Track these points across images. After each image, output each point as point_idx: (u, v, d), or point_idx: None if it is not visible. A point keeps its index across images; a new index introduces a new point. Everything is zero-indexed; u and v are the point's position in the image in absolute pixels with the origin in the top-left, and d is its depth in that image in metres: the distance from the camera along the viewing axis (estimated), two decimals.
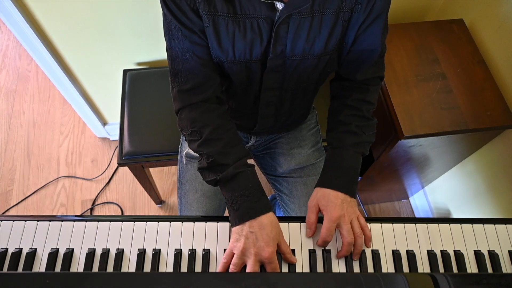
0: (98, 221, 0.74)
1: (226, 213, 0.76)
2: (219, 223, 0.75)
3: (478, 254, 0.74)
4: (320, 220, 0.76)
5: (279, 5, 0.67)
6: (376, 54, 0.80)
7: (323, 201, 0.77)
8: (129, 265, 0.70)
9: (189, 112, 0.76)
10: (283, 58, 0.74)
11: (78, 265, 0.70)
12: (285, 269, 0.71)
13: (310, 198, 0.80)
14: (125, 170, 1.87)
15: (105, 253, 0.70)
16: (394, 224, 0.77)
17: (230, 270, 0.68)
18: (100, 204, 1.80)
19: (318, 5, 0.68)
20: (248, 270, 0.67)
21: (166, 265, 0.70)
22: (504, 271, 0.73)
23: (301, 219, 0.77)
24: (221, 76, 0.81)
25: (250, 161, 0.81)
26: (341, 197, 0.76)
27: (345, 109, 0.84)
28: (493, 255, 0.74)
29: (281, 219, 0.77)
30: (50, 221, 0.74)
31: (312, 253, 0.72)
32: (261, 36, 0.70)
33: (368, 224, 0.76)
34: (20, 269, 0.69)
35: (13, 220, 0.73)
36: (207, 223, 0.75)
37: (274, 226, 0.70)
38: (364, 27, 0.74)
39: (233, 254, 0.69)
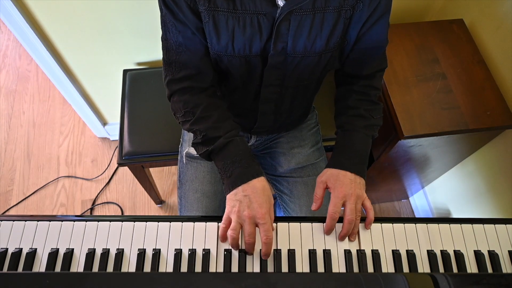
0: (98, 221, 0.74)
1: None
2: (219, 223, 0.75)
3: (478, 254, 0.74)
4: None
5: (280, 2, 0.67)
6: (382, 50, 0.82)
7: (332, 180, 0.78)
8: (129, 265, 0.70)
9: (180, 95, 0.79)
10: (284, 55, 0.75)
11: (78, 265, 0.70)
12: (285, 269, 0.71)
13: (319, 175, 0.82)
14: (125, 170, 1.87)
15: (105, 253, 0.70)
16: (394, 224, 0.77)
17: (229, 234, 0.69)
18: (100, 204, 1.80)
19: (320, 2, 0.68)
20: (245, 232, 0.69)
21: (166, 265, 0.70)
22: (504, 271, 0.73)
23: (301, 219, 0.77)
24: (221, 70, 0.82)
25: None
26: (350, 177, 0.78)
27: (353, 94, 0.87)
28: (493, 255, 0.74)
29: (281, 219, 0.77)
30: (50, 221, 0.74)
31: (312, 253, 0.72)
32: (260, 32, 0.71)
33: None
34: (20, 269, 0.69)
35: (13, 220, 0.73)
36: (207, 223, 0.75)
37: (266, 190, 0.72)
38: (368, 25, 0.75)
39: (230, 219, 0.71)
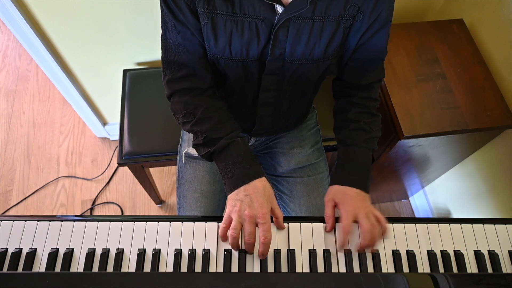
0: (98, 221, 0.74)
1: None
2: (219, 223, 0.75)
3: (478, 254, 0.74)
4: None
5: (279, 8, 0.67)
6: (380, 61, 0.82)
7: (338, 196, 0.79)
8: (129, 265, 0.70)
9: (181, 96, 0.79)
10: (282, 61, 0.75)
11: (78, 265, 0.70)
12: (285, 269, 0.71)
13: (325, 194, 0.82)
14: (125, 170, 1.87)
15: (105, 253, 0.70)
16: (394, 224, 0.77)
17: (229, 234, 0.69)
18: (100, 204, 1.80)
19: (320, 11, 0.68)
20: (245, 232, 0.69)
21: (166, 265, 0.70)
22: (504, 271, 0.73)
23: (301, 219, 0.77)
24: (219, 73, 0.82)
25: None
26: (356, 191, 0.79)
27: (352, 107, 0.87)
28: (493, 255, 0.74)
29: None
30: (50, 221, 0.73)
31: (312, 253, 0.72)
32: (258, 37, 0.71)
33: None
34: (20, 269, 0.69)
35: (13, 220, 0.73)
36: (207, 223, 0.75)
37: (267, 189, 0.72)
38: (367, 35, 0.75)
39: (231, 219, 0.71)
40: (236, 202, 0.71)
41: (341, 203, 0.77)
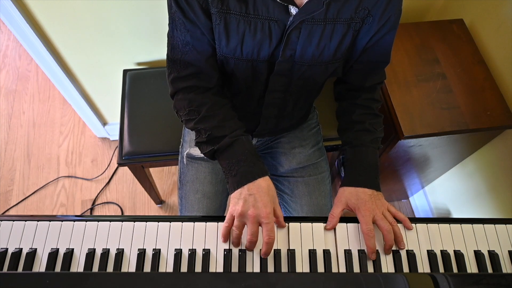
0: (98, 221, 0.74)
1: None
2: (219, 223, 0.75)
3: (478, 254, 0.74)
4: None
5: (293, 10, 0.67)
6: (385, 64, 0.84)
7: (353, 200, 0.79)
8: (129, 265, 0.70)
9: (185, 93, 0.79)
10: (291, 62, 0.75)
11: (78, 265, 0.70)
12: (285, 269, 0.71)
13: (336, 195, 0.82)
14: (125, 170, 1.87)
15: (105, 253, 0.70)
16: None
17: (233, 233, 0.70)
18: (100, 204, 1.80)
19: (332, 13, 0.69)
20: (248, 231, 0.69)
21: (166, 265, 0.70)
22: (504, 271, 0.73)
23: (301, 219, 0.77)
24: (226, 73, 0.81)
25: None
26: (369, 193, 0.79)
27: (356, 109, 0.88)
28: (493, 255, 0.74)
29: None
30: (50, 221, 0.73)
31: (312, 253, 0.72)
32: (270, 38, 0.71)
33: None
34: (20, 269, 0.69)
35: (13, 220, 0.73)
36: (207, 223, 0.75)
37: (271, 189, 0.72)
38: (375, 39, 0.76)
39: (233, 218, 0.70)
40: (239, 201, 0.70)
41: (356, 208, 0.78)
